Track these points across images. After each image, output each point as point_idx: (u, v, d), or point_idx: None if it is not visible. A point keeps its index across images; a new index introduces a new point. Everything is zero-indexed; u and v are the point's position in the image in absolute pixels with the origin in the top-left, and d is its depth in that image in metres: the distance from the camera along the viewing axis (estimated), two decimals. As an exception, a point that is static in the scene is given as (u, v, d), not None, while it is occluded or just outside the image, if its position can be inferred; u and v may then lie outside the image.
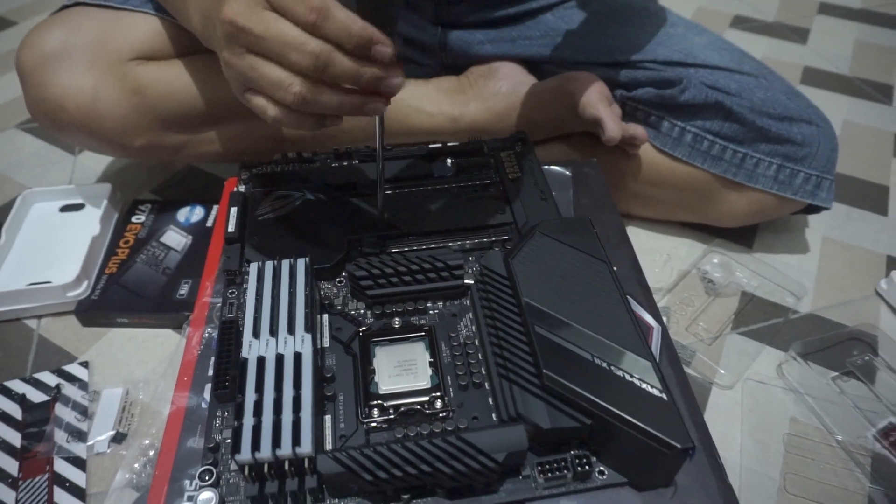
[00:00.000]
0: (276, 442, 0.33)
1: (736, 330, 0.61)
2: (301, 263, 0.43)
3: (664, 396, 0.35)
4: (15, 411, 0.53)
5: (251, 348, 0.37)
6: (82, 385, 0.55)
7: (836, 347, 0.59)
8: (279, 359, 0.37)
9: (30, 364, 0.57)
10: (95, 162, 0.78)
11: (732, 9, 1.14)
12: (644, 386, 0.35)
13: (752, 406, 0.55)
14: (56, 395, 0.54)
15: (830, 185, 0.62)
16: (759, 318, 0.62)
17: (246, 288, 0.45)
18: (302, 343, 0.38)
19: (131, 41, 0.58)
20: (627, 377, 0.36)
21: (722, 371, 0.57)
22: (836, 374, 0.57)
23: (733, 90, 0.60)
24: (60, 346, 0.58)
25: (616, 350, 0.37)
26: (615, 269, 0.43)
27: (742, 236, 0.70)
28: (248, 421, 0.34)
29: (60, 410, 0.53)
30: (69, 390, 0.54)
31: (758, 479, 0.50)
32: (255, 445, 0.33)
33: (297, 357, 0.37)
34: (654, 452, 0.33)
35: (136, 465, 0.47)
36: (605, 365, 0.36)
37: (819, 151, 0.60)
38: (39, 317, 0.60)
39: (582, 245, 0.43)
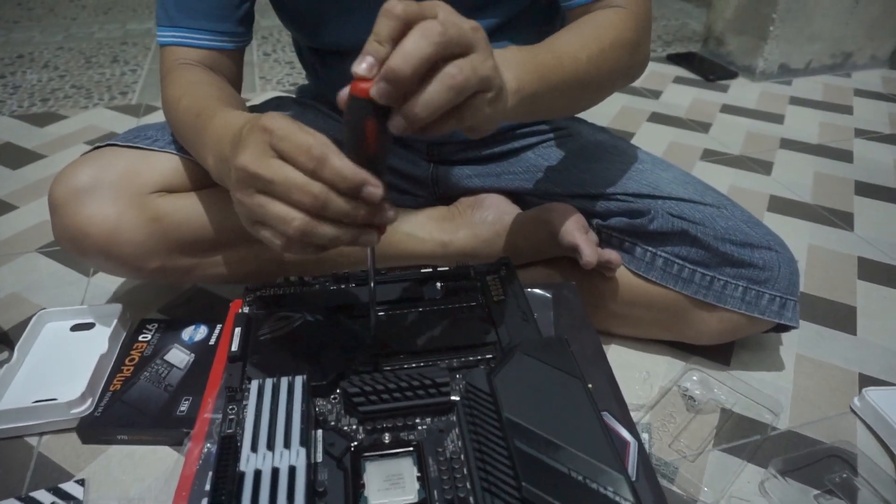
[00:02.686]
0: (269, 553, 0.34)
1: (717, 446, 0.63)
2: (298, 381, 0.46)
3: (635, 507, 0.37)
4: (8, 530, 0.53)
5: (249, 461, 0.40)
6: (76, 503, 0.56)
7: (816, 465, 0.60)
8: (275, 472, 0.39)
9: (27, 482, 0.58)
10: (108, 283, 0.83)
11: (701, 143, 1.25)
12: (617, 499, 0.38)
13: (737, 524, 0.56)
14: (50, 513, 0.55)
15: (795, 305, 0.66)
16: (740, 435, 0.64)
17: (246, 405, 0.48)
18: (297, 457, 0.40)
19: (154, 177, 0.65)
20: (601, 490, 0.38)
21: (705, 489, 0.58)
22: (818, 491, 0.58)
23: (697, 219, 0.66)
24: (59, 464, 0.60)
25: (591, 464, 0.40)
26: (591, 385, 0.46)
27: (719, 354, 0.73)
28: (243, 534, 0.36)
29: (53, 530, 0.54)
30: (63, 509, 0.55)
31: None
32: (249, 557, 0.34)
33: (292, 471, 0.39)
34: (628, 564, 0.35)
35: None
36: (580, 478, 0.39)
37: (780, 275, 0.65)
38: (41, 434, 0.62)
39: (559, 363, 0.47)
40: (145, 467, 0.59)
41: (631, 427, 0.49)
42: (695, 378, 0.70)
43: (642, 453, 0.47)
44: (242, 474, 0.39)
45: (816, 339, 0.77)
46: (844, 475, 0.59)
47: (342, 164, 0.40)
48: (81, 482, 0.58)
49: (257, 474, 0.39)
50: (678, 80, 1.56)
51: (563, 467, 0.39)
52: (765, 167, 1.16)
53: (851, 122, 1.36)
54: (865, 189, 1.10)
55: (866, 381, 0.71)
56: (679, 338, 0.72)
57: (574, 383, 0.45)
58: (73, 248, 0.64)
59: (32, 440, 0.62)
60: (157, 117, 1.34)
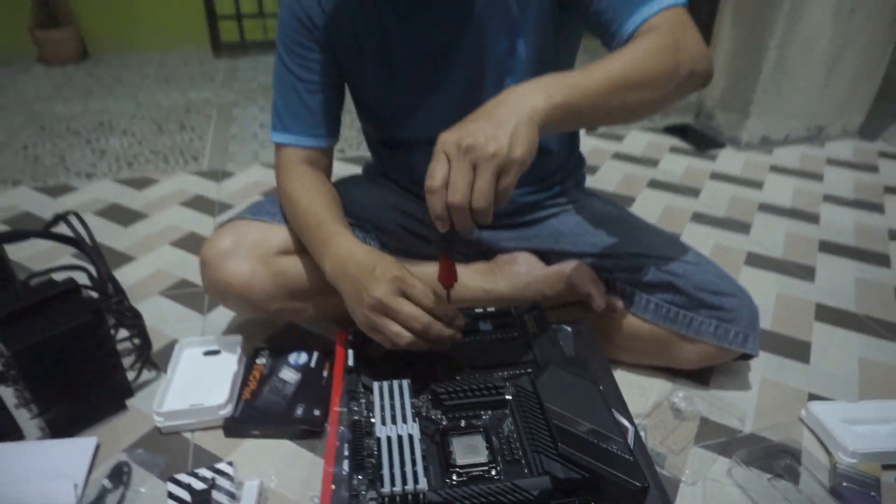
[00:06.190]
0: (404, 481, 0.56)
1: (697, 444, 0.83)
2: (405, 383, 0.68)
3: (630, 458, 0.59)
4: (184, 495, 0.75)
5: (382, 430, 0.62)
6: (229, 478, 0.77)
7: (770, 457, 0.81)
8: (400, 438, 0.61)
9: (189, 464, 0.80)
10: (220, 318, 1.06)
11: (692, 207, 1.48)
12: (619, 453, 0.59)
13: (709, 499, 0.76)
14: (212, 484, 0.76)
15: (755, 338, 0.88)
16: (714, 436, 0.85)
17: (363, 401, 0.70)
18: (413, 429, 0.62)
19: (277, 243, 0.89)
20: (610, 448, 0.59)
21: (688, 471, 0.79)
22: (770, 475, 0.79)
23: (680, 273, 0.89)
24: (211, 452, 0.81)
25: (601, 433, 0.61)
26: (602, 388, 0.68)
27: (700, 377, 0.94)
28: (387, 471, 0.57)
29: (217, 496, 0.75)
30: (221, 481, 0.76)
31: (714, 547, 0.70)
32: (392, 482, 0.56)
33: (410, 437, 0.61)
34: (626, 491, 0.56)
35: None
36: (596, 441, 0.60)
37: (742, 315, 0.87)
38: (193, 430, 0.84)
39: (580, 373, 0.69)
40: (273, 455, 0.81)
41: (630, 419, 0.70)
42: (680, 395, 0.91)
43: (637, 436, 0.69)
44: (379, 439, 0.61)
45: (777, 367, 0.98)
46: (789, 462, 0.79)
47: (446, 308, 0.67)
48: (231, 464, 0.79)
49: (389, 439, 0.61)
50: (674, 149, 1.81)
51: (585, 436, 0.61)
52: (744, 228, 1.39)
53: (821, 188, 1.59)
54: (827, 247, 1.32)
55: (813, 397, 0.92)
56: (668, 364, 0.93)
57: (591, 387, 0.67)
58: (218, 295, 0.88)
59: (187, 435, 0.84)
60: (235, 182, 1.59)
